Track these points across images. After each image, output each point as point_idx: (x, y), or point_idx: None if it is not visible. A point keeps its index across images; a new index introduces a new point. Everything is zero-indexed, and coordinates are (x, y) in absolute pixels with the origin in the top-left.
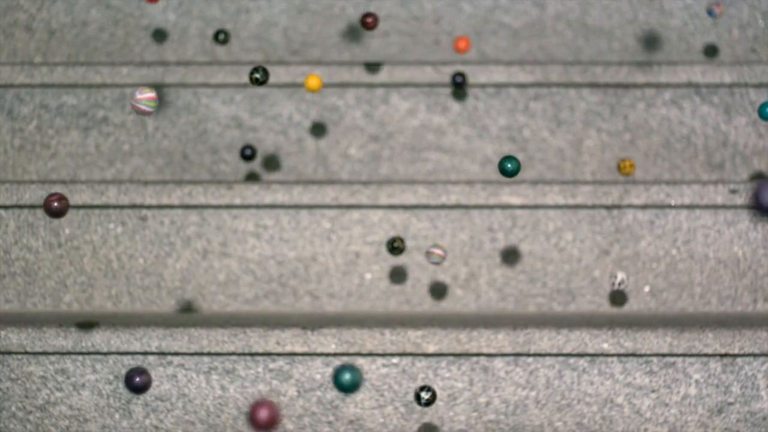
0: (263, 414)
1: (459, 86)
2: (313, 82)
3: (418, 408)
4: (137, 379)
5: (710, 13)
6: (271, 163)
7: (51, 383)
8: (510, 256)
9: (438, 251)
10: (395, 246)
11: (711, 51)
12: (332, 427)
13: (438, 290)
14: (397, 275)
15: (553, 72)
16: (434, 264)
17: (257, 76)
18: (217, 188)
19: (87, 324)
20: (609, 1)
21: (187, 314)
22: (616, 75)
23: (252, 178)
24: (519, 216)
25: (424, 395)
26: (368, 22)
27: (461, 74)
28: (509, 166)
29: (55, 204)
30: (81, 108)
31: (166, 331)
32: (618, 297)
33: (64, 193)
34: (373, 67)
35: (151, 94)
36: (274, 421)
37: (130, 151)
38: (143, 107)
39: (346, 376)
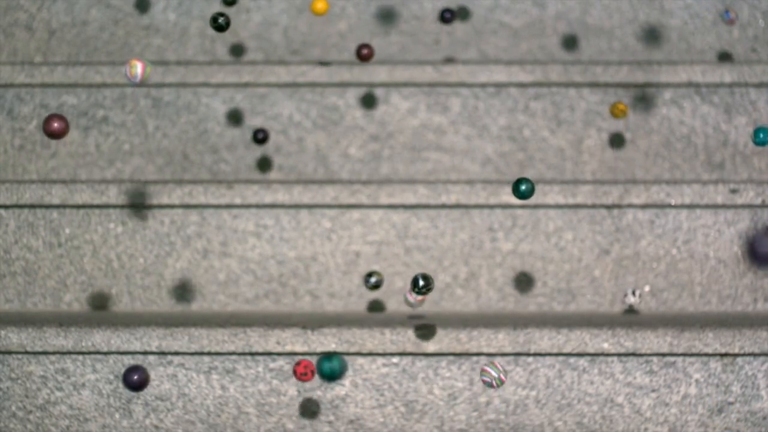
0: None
1: (448, 22)
2: (320, 5)
3: (417, 297)
4: (135, 377)
5: (725, 14)
6: (266, 161)
7: (51, 383)
8: (522, 282)
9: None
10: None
11: (725, 57)
12: (332, 427)
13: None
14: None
15: (553, 72)
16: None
17: (220, 21)
18: (217, 188)
19: (98, 304)
20: (609, 1)
21: (185, 297)
22: (616, 75)
23: (264, 163)
24: (519, 216)
25: (422, 282)
26: (364, 53)
27: (450, 11)
28: (524, 188)
29: (55, 125)
30: (81, 108)
31: (166, 331)
32: (629, 309)
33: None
34: (369, 100)
35: (140, 66)
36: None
37: (130, 150)
38: (150, 77)
39: (329, 364)
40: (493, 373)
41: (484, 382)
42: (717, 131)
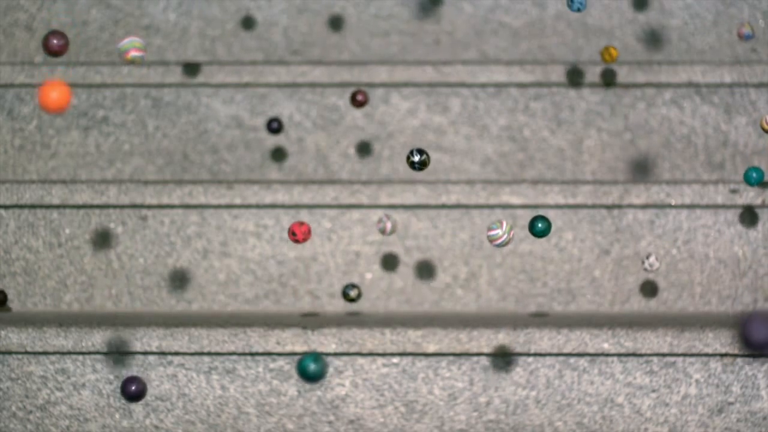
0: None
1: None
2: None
3: (414, 171)
4: (132, 388)
5: (748, 35)
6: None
7: (51, 383)
8: (536, 316)
9: (386, 224)
10: (350, 296)
11: (736, 63)
12: (332, 427)
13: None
14: (398, 276)
15: (553, 72)
16: (381, 232)
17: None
18: (217, 188)
19: (103, 237)
20: (609, 1)
21: (180, 284)
22: (616, 75)
23: (278, 154)
24: (519, 216)
25: (418, 157)
26: (358, 100)
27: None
28: (540, 226)
29: (55, 42)
30: (81, 108)
31: (166, 331)
32: (649, 284)
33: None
34: (365, 147)
35: (133, 53)
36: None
37: (130, 150)
38: (143, 45)
39: (311, 366)
40: (500, 233)
41: (491, 237)
42: (717, 131)
